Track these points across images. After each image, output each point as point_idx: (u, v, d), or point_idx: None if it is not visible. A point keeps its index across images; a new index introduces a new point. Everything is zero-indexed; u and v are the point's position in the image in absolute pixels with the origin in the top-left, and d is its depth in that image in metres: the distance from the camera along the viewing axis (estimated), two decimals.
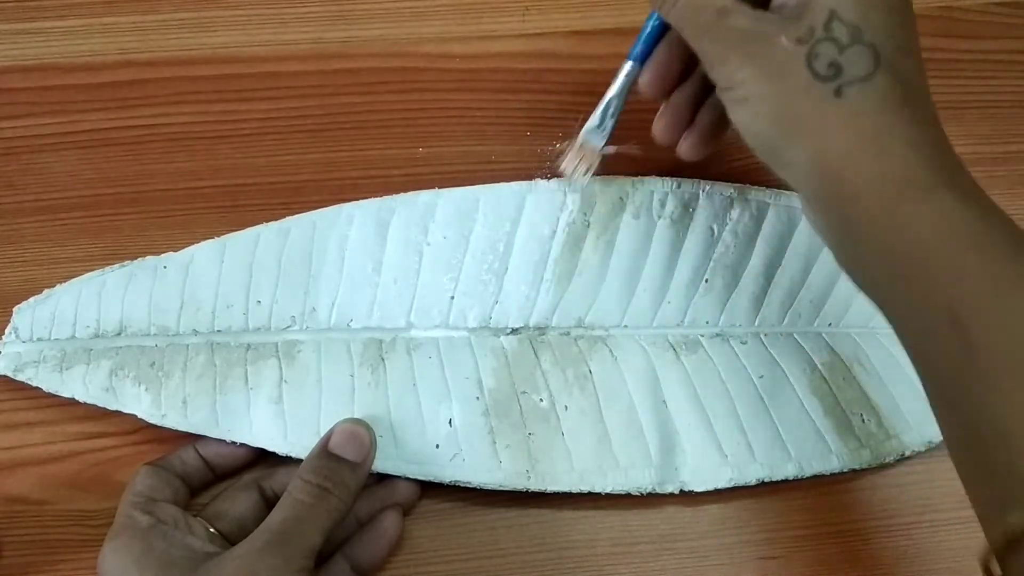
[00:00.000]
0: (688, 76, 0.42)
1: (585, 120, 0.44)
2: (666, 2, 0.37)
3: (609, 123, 0.44)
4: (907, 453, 0.46)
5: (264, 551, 0.37)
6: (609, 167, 0.46)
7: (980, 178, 0.51)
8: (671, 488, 0.44)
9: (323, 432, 0.42)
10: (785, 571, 0.45)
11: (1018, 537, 0.27)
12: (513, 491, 0.44)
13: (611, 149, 0.44)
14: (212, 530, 0.41)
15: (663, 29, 0.41)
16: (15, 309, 0.45)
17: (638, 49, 0.42)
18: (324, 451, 0.41)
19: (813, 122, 0.33)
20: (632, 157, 0.45)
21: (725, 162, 0.51)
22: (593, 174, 0.45)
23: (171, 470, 0.43)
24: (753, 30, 0.34)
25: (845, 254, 0.35)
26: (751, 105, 0.35)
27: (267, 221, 0.47)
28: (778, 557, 0.45)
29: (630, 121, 0.44)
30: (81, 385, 0.44)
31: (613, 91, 0.43)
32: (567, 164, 0.45)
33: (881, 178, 0.32)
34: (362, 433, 0.41)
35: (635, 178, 0.48)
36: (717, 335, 0.47)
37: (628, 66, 0.42)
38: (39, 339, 0.45)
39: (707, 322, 0.47)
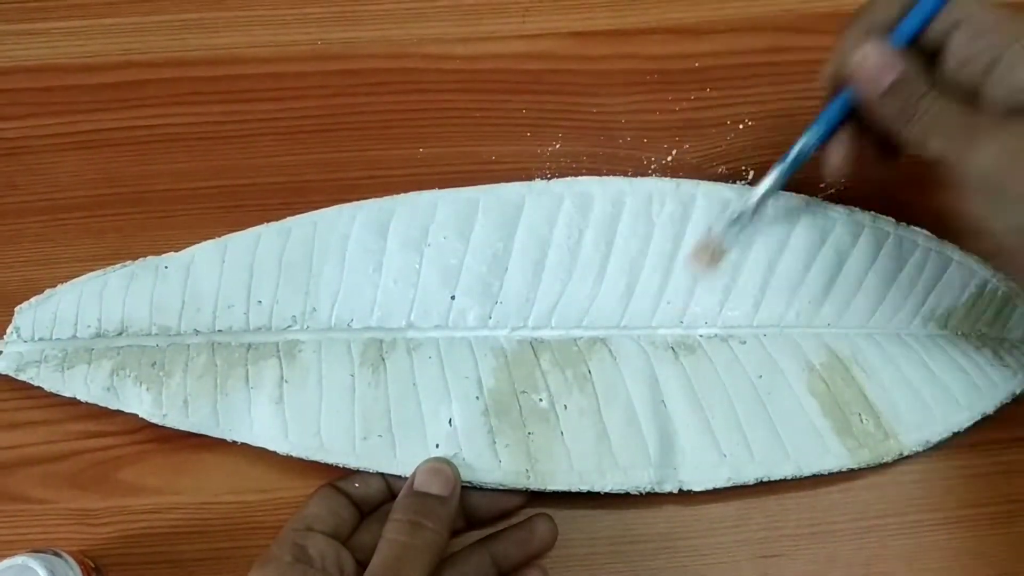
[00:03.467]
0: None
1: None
2: (911, 117, 0.37)
3: (748, 222, 0.44)
4: (905, 453, 0.45)
5: None
6: (609, 169, 0.47)
7: None
8: (670, 487, 0.44)
9: (323, 432, 0.43)
10: (783, 570, 0.45)
11: None
12: (513, 490, 0.44)
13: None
14: (356, 563, 0.41)
15: (844, 114, 0.41)
16: (17, 309, 0.45)
17: (814, 139, 0.42)
18: (411, 491, 0.41)
19: None
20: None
21: (724, 162, 0.51)
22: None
23: (348, 493, 0.43)
24: (1009, 138, 0.35)
25: None
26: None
27: (268, 221, 0.47)
28: (776, 556, 0.45)
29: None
30: (82, 385, 0.44)
31: (779, 171, 0.43)
32: (699, 256, 0.46)
33: None
34: (445, 468, 0.42)
35: (633, 178, 0.48)
36: (716, 335, 0.47)
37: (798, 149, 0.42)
38: (41, 339, 0.45)
39: (706, 322, 0.47)
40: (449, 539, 0.40)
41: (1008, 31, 0.36)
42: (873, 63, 0.38)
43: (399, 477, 0.43)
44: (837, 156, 0.42)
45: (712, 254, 0.44)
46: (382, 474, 0.43)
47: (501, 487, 0.43)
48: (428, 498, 0.41)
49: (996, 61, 0.36)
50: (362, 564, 0.40)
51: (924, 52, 0.39)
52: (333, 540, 0.41)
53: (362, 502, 0.43)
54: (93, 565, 0.43)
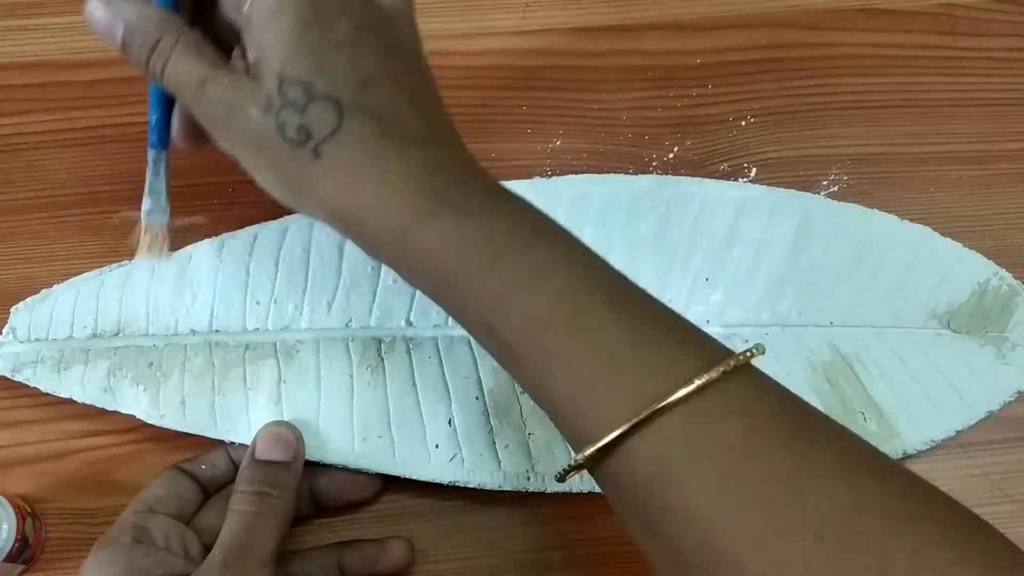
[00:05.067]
0: None
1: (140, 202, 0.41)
2: (157, 71, 0.34)
3: (162, 201, 0.41)
4: (909, 452, 0.45)
5: (222, 571, 0.37)
6: (610, 166, 0.46)
7: (980, 176, 0.52)
8: None
9: (322, 432, 0.43)
10: None
11: (579, 465, 0.31)
12: (512, 491, 0.44)
13: (179, 222, 0.42)
14: (201, 544, 0.41)
15: (170, 99, 0.38)
16: (12, 309, 0.45)
17: (154, 137, 0.39)
18: (253, 460, 0.41)
19: (308, 185, 0.32)
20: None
21: (726, 159, 0.51)
22: (168, 249, 0.42)
23: (194, 475, 0.43)
24: (230, 101, 0.32)
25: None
26: (256, 175, 0.34)
27: (266, 219, 0.46)
28: None
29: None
30: (79, 385, 0.44)
31: (148, 179, 0.40)
32: (140, 247, 0.41)
33: (387, 223, 0.32)
34: (285, 433, 0.42)
35: (634, 175, 0.48)
36: (718, 334, 0.47)
37: (152, 155, 0.39)
38: (37, 339, 0.45)
39: (708, 321, 0.47)
40: (296, 502, 0.41)
41: None
42: (98, 18, 0.34)
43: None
44: (177, 127, 0.38)
45: (154, 239, 0.41)
46: (228, 454, 0.43)
47: (501, 489, 0.43)
48: (271, 466, 0.41)
49: (241, 20, 0.33)
50: (207, 545, 0.40)
51: None
52: (176, 521, 0.41)
53: (208, 483, 0.43)
54: (29, 510, 0.43)
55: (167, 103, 0.38)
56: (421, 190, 0.32)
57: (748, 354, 0.30)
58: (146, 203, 0.40)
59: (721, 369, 0.29)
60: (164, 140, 0.39)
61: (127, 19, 0.33)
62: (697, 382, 0.28)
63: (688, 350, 0.30)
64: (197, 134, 0.37)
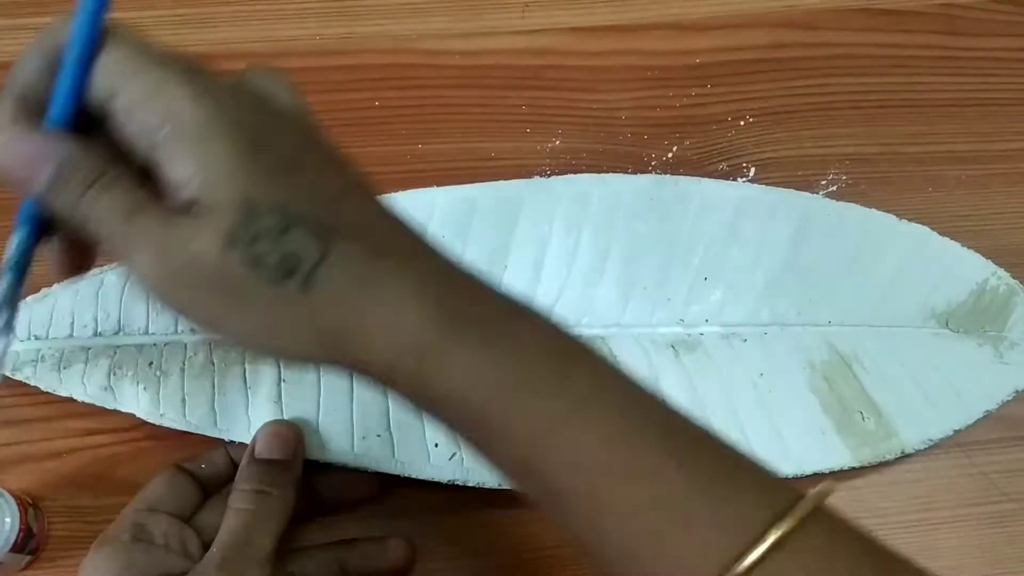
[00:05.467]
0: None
1: None
2: (82, 211, 0.28)
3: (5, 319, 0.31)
4: (907, 451, 0.45)
5: (219, 568, 0.38)
6: (609, 166, 0.46)
7: (979, 176, 0.52)
8: None
9: (321, 432, 0.43)
10: None
11: None
12: (512, 490, 0.43)
13: (11, 341, 0.32)
14: (201, 542, 0.41)
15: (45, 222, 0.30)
16: None
17: (16, 258, 0.30)
18: (252, 459, 0.41)
19: (299, 323, 0.28)
20: None
21: (725, 159, 0.51)
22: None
23: (194, 473, 0.43)
24: (173, 244, 0.27)
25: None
26: (223, 325, 0.28)
27: None
28: None
29: None
30: (79, 384, 0.44)
31: None
32: None
33: (398, 356, 0.28)
34: (285, 431, 0.42)
35: (633, 175, 0.48)
36: (716, 333, 0.47)
37: (8, 278, 0.30)
38: (37, 338, 0.45)
39: (706, 320, 0.47)
40: (295, 501, 0.41)
41: (163, 107, 0.27)
42: (17, 154, 0.28)
43: None
44: (54, 257, 0.31)
45: None
46: (228, 453, 0.43)
47: (500, 488, 0.43)
48: (271, 464, 0.41)
49: (153, 147, 0.27)
50: (206, 543, 0.40)
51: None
52: (176, 519, 0.41)
53: (207, 482, 0.43)
54: (31, 501, 0.43)
55: (41, 226, 0.30)
56: (431, 314, 0.28)
57: (819, 493, 0.28)
58: None
59: (798, 516, 0.26)
60: (24, 266, 0.30)
61: (60, 153, 0.28)
62: (772, 537, 0.26)
63: (758, 497, 0.28)
64: (76, 266, 0.32)
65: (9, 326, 0.31)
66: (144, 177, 0.28)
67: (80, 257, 0.32)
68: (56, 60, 0.28)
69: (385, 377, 0.29)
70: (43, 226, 0.30)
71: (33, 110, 0.28)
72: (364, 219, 0.29)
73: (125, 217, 0.27)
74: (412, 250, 0.30)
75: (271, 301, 0.27)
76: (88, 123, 0.29)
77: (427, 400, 0.29)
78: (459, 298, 0.29)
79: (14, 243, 0.30)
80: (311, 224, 0.27)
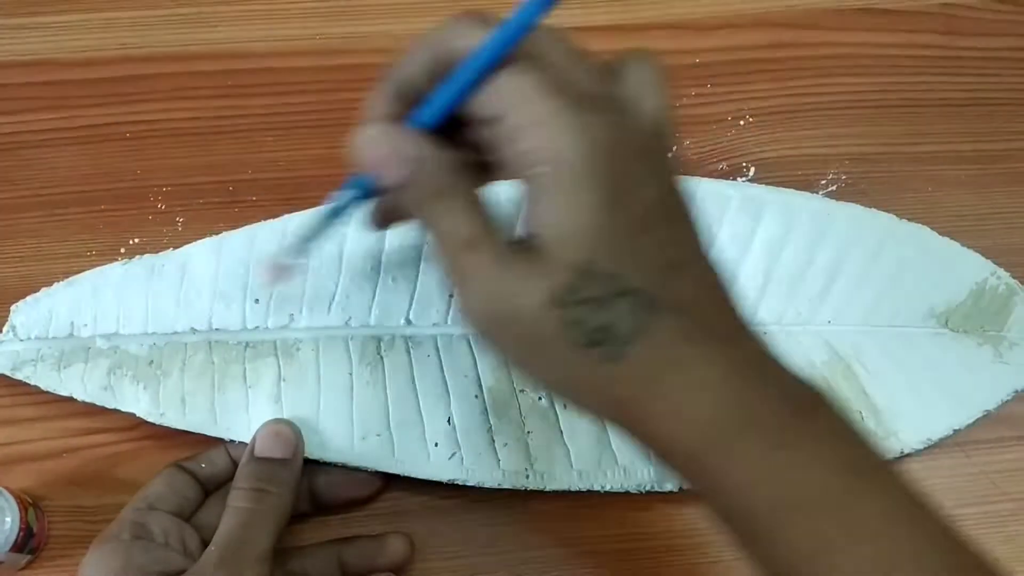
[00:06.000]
0: None
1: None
2: (424, 215, 0.30)
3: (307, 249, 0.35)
4: (906, 451, 0.45)
5: (217, 566, 0.38)
6: None
7: (978, 176, 0.52)
8: (670, 486, 0.44)
9: (321, 431, 0.43)
10: None
11: None
12: (511, 490, 0.44)
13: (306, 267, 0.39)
14: (200, 541, 0.41)
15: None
16: (12, 307, 0.45)
17: (329, 213, 0.33)
18: (252, 457, 0.41)
19: (593, 388, 0.29)
20: None
21: (725, 158, 0.51)
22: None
23: (194, 472, 0.43)
24: (500, 284, 0.28)
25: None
26: (517, 365, 0.30)
27: (266, 217, 0.47)
28: None
29: None
30: (79, 384, 0.44)
31: (312, 223, 0.34)
32: (262, 276, 0.37)
33: (685, 437, 0.28)
34: (284, 430, 0.42)
35: None
36: None
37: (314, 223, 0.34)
38: (36, 337, 0.45)
39: None
40: (294, 501, 0.41)
41: (546, 142, 0.27)
42: (377, 150, 0.30)
43: None
44: (369, 211, 0.35)
45: (277, 271, 0.36)
46: (228, 452, 0.43)
47: (500, 487, 0.43)
48: (270, 463, 0.41)
49: (522, 175, 0.28)
50: (206, 541, 0.40)
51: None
52: (175, 518, 0.41)
53: (207, 481, 0.43)
54: (31, 500, 0.43)
55: (368, 193, 0.33)
56: (728, 410, 0.27)
57: None
58: (291, 252, 0.35)
59: None
60: (338, 218, 0.33)
61: (420, 160, 0.29)
62: None
63: None
64: (386, 224, 0.35)
65: (302, 255, 0.35)
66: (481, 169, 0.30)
67: (392, 220, 0.34)
68: (443, 63, 0.30)
69: (666, 454, 0.29)
70: (370, 193, 0.32)
71: (405, 104, 0.30)
72: (692, 295, 0.29)
73: (463, 246, 0.28)
74: (728, 334, 0.29)
75: (577, 363, 0.28)
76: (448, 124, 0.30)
77: (701, 486, 0.29)
78: (760, 393, 0.28)
79: (340, 199, 0.32)
80: (641, 297, 0.27)
